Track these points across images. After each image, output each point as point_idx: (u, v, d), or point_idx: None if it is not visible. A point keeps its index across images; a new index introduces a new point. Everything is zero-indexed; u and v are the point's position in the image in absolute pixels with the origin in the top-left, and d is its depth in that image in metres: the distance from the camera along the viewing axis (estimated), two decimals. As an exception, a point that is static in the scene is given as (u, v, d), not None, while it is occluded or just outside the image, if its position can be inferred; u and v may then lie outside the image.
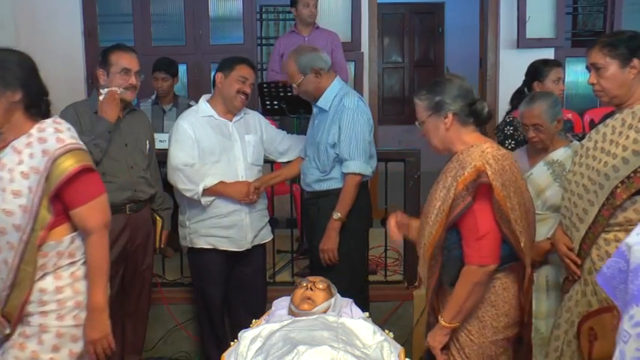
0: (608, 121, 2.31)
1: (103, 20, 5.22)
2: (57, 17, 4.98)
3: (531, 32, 4.96)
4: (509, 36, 5.04)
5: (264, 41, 6.04)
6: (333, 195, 3.03)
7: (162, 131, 4.18)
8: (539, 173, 2.80)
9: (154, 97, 4.58)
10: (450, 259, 2.04)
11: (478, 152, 2.01)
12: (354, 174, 2.97)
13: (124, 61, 2.92)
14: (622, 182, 2.17)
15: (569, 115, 4.88)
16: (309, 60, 2.99)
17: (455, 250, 2.03)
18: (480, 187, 1.96)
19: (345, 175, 2.99)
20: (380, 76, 7.78)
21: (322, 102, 3.04)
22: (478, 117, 2.11)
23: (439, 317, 2.08)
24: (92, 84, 3.08)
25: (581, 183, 2.32)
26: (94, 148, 2.80)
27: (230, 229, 3.11)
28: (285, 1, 5.88)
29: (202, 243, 3.13)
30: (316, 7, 4.53)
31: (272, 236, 3.37)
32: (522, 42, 4.95)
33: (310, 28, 4.59)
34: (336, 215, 2.97)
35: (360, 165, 2.97)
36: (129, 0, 5.21)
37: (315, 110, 3.12)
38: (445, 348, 2.12)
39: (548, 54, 5.00)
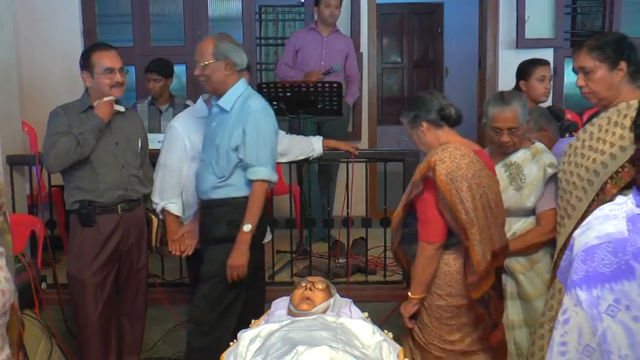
0: (595, 120, 2.37)
1: (102, 20, 5.22)
2: (56, 17, 4.98)
3: (530, 32, 4.95)
4: (508, 36, 5.04)
5: (263, 41, 6.03)
6: (231, 204, 2.80)
7: (159, 132, 4.18)
8: (497, 175, 2.61)
9: (150, 98, 4.57)
10: (410, 234, 2.47)
11: (440, 149, 2.37)
12: (263, 181, 2.75)
13: (105, 60, 2.91)
14: (611, 178, 2.23)
15: (569, 115, 4.89)
16: (228, 49, 2.78)
17: (413, 227, 2.45)
18: (429, 180, 2.35)
19: (252, 182, 2.75)
20: (379, 76, 7.78)
21: (224, 101, 2.80)
22: (449, 120, 2.47)
23: (409, 292, 2.48)
24: (87, 89, 3.07)
25: (570, 181, 2.38)
26: (82, 142, 2.85)
27: None
28: (285, 2, 5.89)
29: None
30: (338, 8, 4.50)
31: (271, 236, 3.37)
32: (521, 42, 4.95)
33: (330, 29, 4.57)
34: (247, 227, 2.71)
35: (268, 171, 2.76)
36: (128, 0, 5.21)
37: (214, 110, 2.87)
38: (414, 317, 2.52)
39: (548, 54, 5.00)
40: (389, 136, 7.52)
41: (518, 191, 2.66)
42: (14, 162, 3.59)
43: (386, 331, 2.31)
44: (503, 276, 2.66)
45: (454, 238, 2.38)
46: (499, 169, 2.68)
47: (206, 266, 2.85)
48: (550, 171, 2.62)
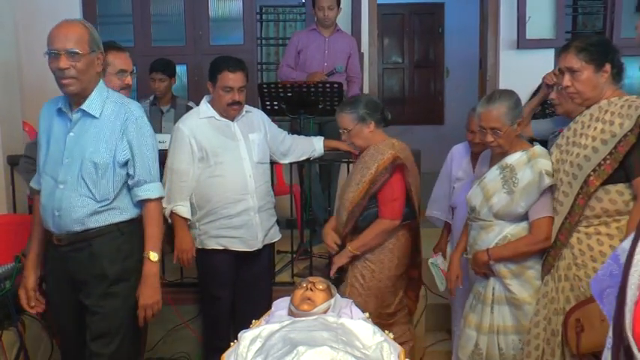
0: (578, 117, 2.46)
1: (102, 21, 5.22)
2: (57, 17, 4.89)
3: (531, 33, 4.95)
4: (509, 36, 5.03)
5: (264, 42, 6.03)
6: (116, 232, 2.37)
7: (160, 132, 4.19)
8: (492, 177, 2.63)
9: (151, 98, 4.58)
10: (369, 214, 2.89)
11: (390, 144, 2.93)
12: (159, 199, 2.47)
13: (120, 62, 2.87)
14: (594, 170, 2.32)
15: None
16: (99, 40, 2.38)
17: (372, 209, 2.89)
18: (397, 167, 2.85)
19: (146, 202, 2.41)
20: (380, 76, 7.77)
21: (91, 105, 2.33)
22: (386, 121, 3.00)
23: (347, 246, 2.92)
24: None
25: (558, 178, 2.47)
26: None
27: (240, 229, 3.09)
28: (285, 2, 5.89)
29: (213, 244, 3.12)
30: (332, 10, 4.45)
31: (280, 235, 3.37)
32: (522, 42, 4.95)
33: (331, 30, 4.55)
34: (155, 256, 2.39)
35: (161, 187, 2.50)
36: (129, 0, 5.21)
37: (75, 116, 2.36)
38: (341, 282, 2.97)
39: (548, 54, 4.99)
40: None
41: (509, 195, 2.55)
42: (15, 162, 3.59)
43: (386, 332, 2.31)
44: (491, 279, 2.62)
45: (406, 216, 2.93)
46: (494, 172, 2.62)
47: (101, 321, 2.39)
48: (547, 181, 2.47)
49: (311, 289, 2.42)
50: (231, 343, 2.30)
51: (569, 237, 2.43)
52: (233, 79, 3.00)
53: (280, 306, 2.53)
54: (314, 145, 3.45)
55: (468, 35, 7.19)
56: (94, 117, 2.32)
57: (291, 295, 2.48)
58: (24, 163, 3.11)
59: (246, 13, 5.27)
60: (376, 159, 2.86)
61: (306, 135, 3.60)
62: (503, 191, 2.57)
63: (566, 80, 2.42)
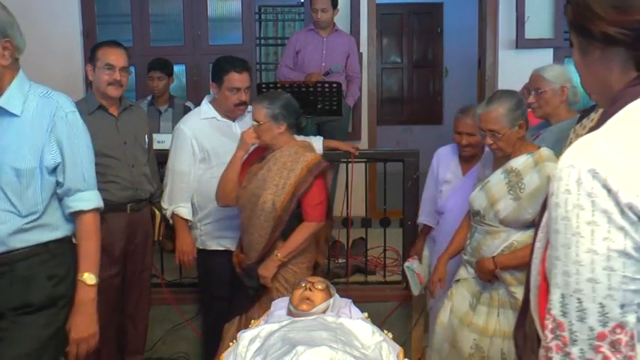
0: (592, 115, 2.41)
1: (101, 20, 5.22)
2: (56, 17, 4.98)
3: (530, 32, 4.95)
4: (507, 36, 5.04)
5: (262, 41, 6.03)
6: (46, 253, 1.92)
7: (158, 132, 4.19)
8: (496, 182, 2.52)
9: (149, 98, 4.58)
10: (293, 217, 2.79)
11: (307, 147, 2.91)
12: (96, 210, 2.01)
13: (108, 56, 2.91)
14: None
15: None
16: (7, 23, 1.91)
17: (295, 211, 2.79)
18: (322, 170, 2.79)
19: (79, 215, 1.97)
20: (379, 76, 7.76)
21: (9, 101, 1.88)
22: (298, 127, 2.94)
23: (276, 253, 2.78)
24: (90, 84, 3.08)
25: None
26: None
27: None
28: (284, 2, 5.89)
29: (214, 245, 3.13)
30: (327, 11, 4.44)
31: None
32: (521, 42, 4.95)
33: (329, 30, 4.56)
34: (92, 278, 1.95)
35: (99, 196, 2.05)
36: (127, 0, 5.21)
37: None
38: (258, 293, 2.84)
39: (547, 54, 5.00)
40: (388, 136, 7.52)
41: (516, 201, 2.46)
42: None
43: (385, 332, 2.31)
44: (496, 283, 2.55)
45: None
46: (498, 175, 2.52)
47: (15, 352, 1.88)
48: None
49: (310, 289, 2.42)
50: (230, 343, 2.30)
51: None
52: (239, 79, 3.00)
53: (279, 306, 2.53)
54: (313, 145, 3.45)
55: (466, 35, 7.20)
56: (13, 115, 1.88)
57: (290, 295, 2.48)
58: None
59: (244, 13, 5.27)
60: (298, 160, 2.77)
61: (305, 135, 3.60)
62: (509, 197, 2.47)
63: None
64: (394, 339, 2.32)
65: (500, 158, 2.54)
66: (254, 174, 2.84)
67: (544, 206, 1.08)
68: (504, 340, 2.53)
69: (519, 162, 2.47)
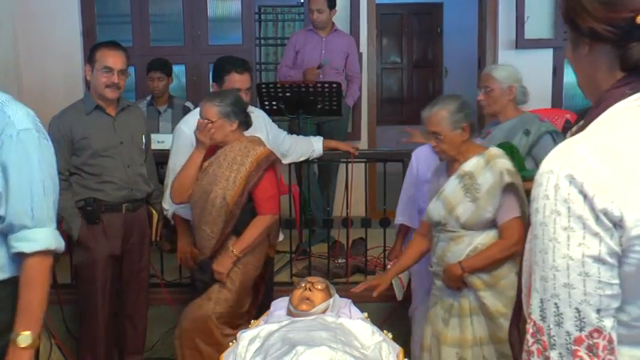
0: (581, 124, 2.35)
1: (101, 20, 5.22)
2: (55, 17, 4.97)
3: (530, 33, 4.95)
4: (507, 36, 5.04)
5: (262, 42, 6.03)
6: None
7: (157, 132, 4.19)
8: (451, 188, 2.49)
9: (149, 98, 4.58)
10: (244, 213, 2.77)
11: (256, 141, 2.86)
12: (47, 252, 1.61)
13: (107, 59, 2.91)
14: None
15: (568, 116, 4.88)
16: None
17: (246, 207, 2.77)
18: (271, 163, 2.80)
19: (23, 257, 1.59)
20: (378, 76, 7.77)
21: None
22: (247, 125, 2.89)
23: (231, 249, 2.74)
24: (88, 83, 3.08)
25: None
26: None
27: None
28: (284, 2, 5.89)
29: None
30: (322, 12, 4.45)
31: (282, 236, 3.36)
32: (521, 42, 4.95)
33: (327, 30, 4.57)
34: (26, 339, 1.59)
35: (53, 234, 1.63)
36: (127, 0, 5.21)
37: None
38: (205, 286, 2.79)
39: (547, 54, 5.01)
40: (388, 136, 7.50)
41: (474, 203, 2.43)
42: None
43: (385, 332, 2.31)
44: (465, 291, 2.49)
45: None
46: (452, 182, 2.49)
47: None
48: (507, 179, 2.38)
49: (310, 289, 2.42)
50: (230, 343, 2.30)
51: None
52: (240, 80, 2.99)
53: (279, 306, 2.54)
54: (313, 146, 3.45)
55: (466, 35, 7.20)
56: None
57: (290, 295, 2.48)
58: None
59: (244, 13, 5.27)
60: (247, 154, 2.77)
61: (304, 135, 3.60)
62: (467, 200, 2.44)
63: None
64: (394, 339, 2.32)
65: (453, 165, 2.53)
66: (205, 170, 2.82)
67: None
68: (482, 347, 2.49)
69: (471, 164, 2.46)
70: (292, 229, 3.76)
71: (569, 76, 5.10)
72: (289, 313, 2.41)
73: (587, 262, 0.92)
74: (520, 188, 2.44)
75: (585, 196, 0.91)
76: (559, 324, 0.94)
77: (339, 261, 3.90)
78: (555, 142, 3.08)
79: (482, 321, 2.48)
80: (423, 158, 3.05)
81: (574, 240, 0.92)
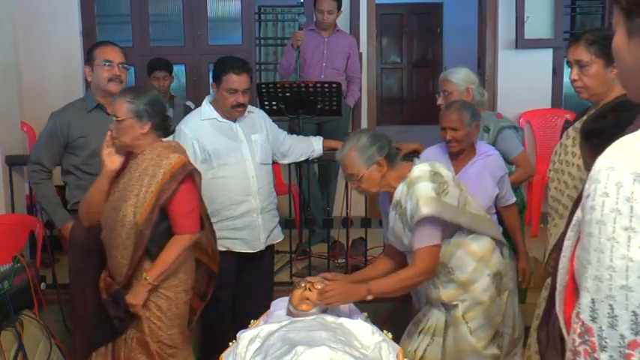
0: (585, 118, 2.33)
1: (101, 20, 5.22)
2: (55, 17, 4.97)
3: (530, 33, 4.96)
4: (507, 36, 5.04)
5: (262, 42, 6.02)
6: None
7: None
8: (392, 220, 2.46)
9: (150, 97, 4.61)
10: (159, 233, 2.45)
11: (172, 148, 2.55)
12: None
13: (106, 53, 2.94)
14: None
15: (568, 116, 4.89)
16: None
17: (161, 226, 2.45)
18: (188, 174, 2.47)
19: None
20: (378, 76, 7.77)
21: None
22: (166, 131, 2.60)
23: (145, 277, 2.43)
24: (89, 84, 3.09)
25: (562, 180, 2.34)
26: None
27: (243, 230, 3.09)
28: (284, 2, 5.88)
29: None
30: (332, 13, 4.48)
31: (283, 236, 3.36)
32: (520, 42, 4.96)
33: (330, 31, 4.59)
34: None
35: None
36: (127, 0, 5.21)
37: None
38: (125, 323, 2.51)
39: (547, 54, 5.01)
40: (388, 136, 7.52)
41: (411, 230, 2.38)
42: (13, 162, 3.59)
43: (385, 332, 2.31)
44: (429, 310, 2.48)
45: None
46: (391, 213, 2.45)
47: None
48: (421, 212, 2.29)
49: (310, 289, 2.42)
50: (230, 343, 2.30)
51: None
52: (238, 81, 2.98)
53: (279, 306, 2.54)
54: (313, 146, 3.45)
55: (466, 35, 7.21)
56: None
57: (290, 295, 2.48)
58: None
59: (244, 13, 5.27)
60: (160, 164, 2.45)
61: (304, 135, 3.60)
62: (406, 229, 2.41)
63: (574, 74, 2.30)
64: (394, 339, 2.32)
65: (390, 195, 2.49)
66: (116, 183, 2.53)
67: (575, 204, 1.04)
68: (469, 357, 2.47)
69: (399, 192, 2.41)
70: (292, 229, 3.77)
71: (568, 76, 5.09)
72: (289, 313, 2.42)
73: None
74: (443, 214, 2.33)
75: None
76: (613, 326, 0.89)
77: (339, 261, 3.90)
78: (516, 135, 3.13)
79: (439, 342, 2.46)
80: (432, 159, 3.00)
81: (635, 241, 0.87)
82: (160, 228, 2.46)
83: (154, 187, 2.42)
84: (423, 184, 2.34)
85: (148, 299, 2.49)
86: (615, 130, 1.26)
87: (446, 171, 2.46)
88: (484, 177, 2.85)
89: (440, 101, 3.13)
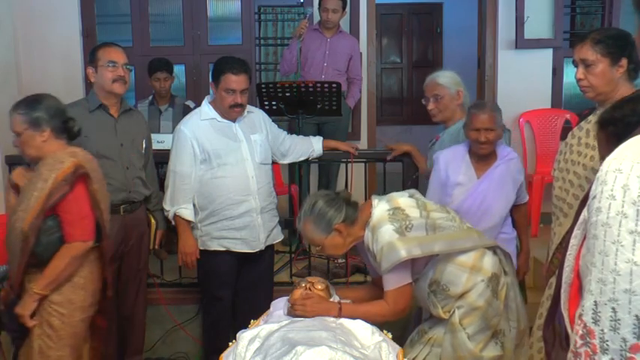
0: (590, 118, 2.34)
1: (101, 20, 5.22)
2: (55, 17, 4.97)
3: (529, 33, 4.95)
4: (507, 36, 5.04)
5: (262, 42, 6.02)
6: None
7: (158, 132, 4.21)
8: (371, 261, 2.43)
9: (150, 97, 4.61)
10: (51, 241, 2.36)
11: (70, 153, 2.44)
12: None
13: (110, 54, 2.96)
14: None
15: (567, 116, 4.90)
16: None
17: (54, 233, 2.37)
18: (79, 178, 2.39)
19: None
20: (378, 76, 7.77)
21: None
22: (70, 133, 2.51)
23: (32, 287, 2.35)
24: (90, 84, 3.09)
25: (567, 179, 2.34)
26: None
27: (242, 230, 3.09)
28: (284, 2, 5.88)
29: (215, 245, 3.11)
30: (337, 12, 4.50)
31: (282, 236, 3.37)
32: (520, 42, 4.95)
33: (333, 31, 4.61)
34: None
35: None
36: (127, 0, 5.21)
37: None
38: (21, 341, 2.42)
39: (547, 54, 5.01)
40: (388, 136, 7.51)
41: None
42: (13, 162, 3.59)
43: (385, 332, 2.31)
44: (435, 323, 2.47)
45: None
46: (370, 260, 2.41)
47: None
48: (385, 263, 2.28)
49: (310, 289, 2.42)
50: (230, 343, 2.30)
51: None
52: (236, 81, 2.98)
53: (278, 306, 2.53)
54: (313, 146, 3.45)
55: (466, 35, 7.20)
56: None
57: (290, 295, 2.48)
58: None
59: (244, 13, 5.27)
60: (54, 168, 2.38)
61: (304, 135, 3.61)
62: (383, 271, 2.36)
63: (580, 73, 2.29)
64: (394, 339, 2.32)
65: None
66: (21, 190, 2.45)
67: (582, 203, 1.03)
68: None
69: (367, 239, 2.38)
70: (292, 228, 3.76)
71: (568, 77, 5.11)
72: (289, 313, 2.41)
73: None
74: (412, 252, 2.29)
75: None
76: (615, 329, 0.89)
77: (339, 261, 3.90)
78: (505, 136, 3.12)
79: (437, 353, 2.46)
80: (452, 161, 2.92)
81: None
82: (55, 236, 2.38)
83: (44, 192, 2.34)
84: (384, 227, 2.31)
85: (40, 316, 2.39)
86: (632, 119, 1.24)
87: (404, 199, 2.41)
88: (506, 182, 2.83)
89: (431, 106, 3.05)
